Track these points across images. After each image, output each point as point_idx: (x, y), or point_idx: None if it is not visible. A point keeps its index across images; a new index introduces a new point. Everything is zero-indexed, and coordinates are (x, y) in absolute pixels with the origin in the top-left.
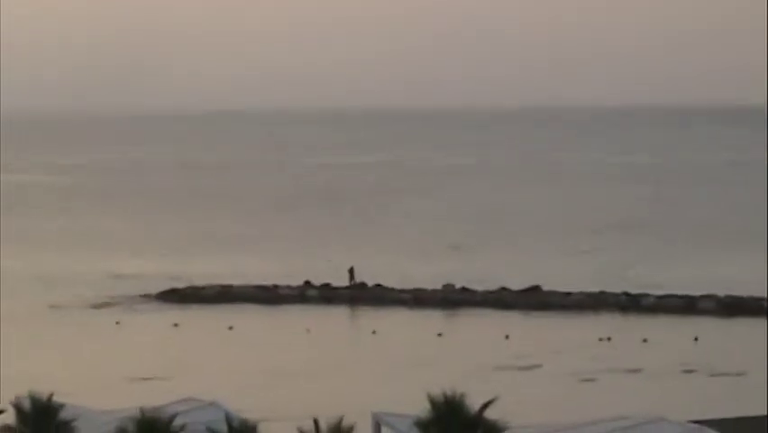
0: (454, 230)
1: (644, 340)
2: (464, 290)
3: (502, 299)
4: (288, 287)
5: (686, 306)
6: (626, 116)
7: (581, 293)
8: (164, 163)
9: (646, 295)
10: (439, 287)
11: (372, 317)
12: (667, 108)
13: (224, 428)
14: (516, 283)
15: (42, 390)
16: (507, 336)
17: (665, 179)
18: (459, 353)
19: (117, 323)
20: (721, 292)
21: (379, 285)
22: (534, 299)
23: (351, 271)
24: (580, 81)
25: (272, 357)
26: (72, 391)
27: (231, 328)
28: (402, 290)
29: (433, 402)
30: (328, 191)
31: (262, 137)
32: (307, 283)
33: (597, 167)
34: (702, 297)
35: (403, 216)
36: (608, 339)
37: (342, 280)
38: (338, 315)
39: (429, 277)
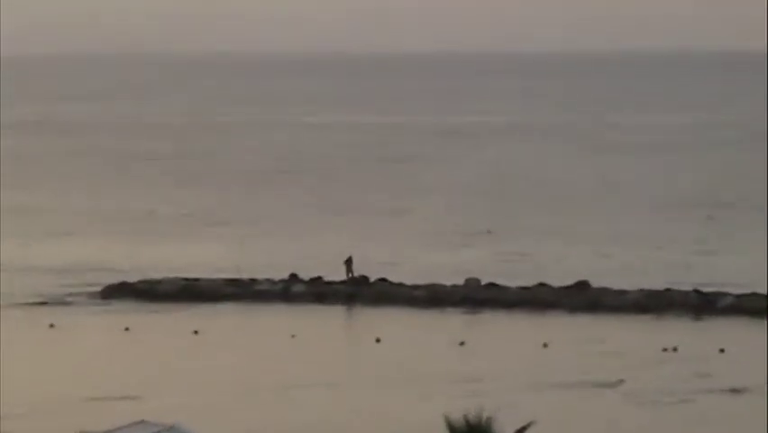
0: (480, 209)
1: (721, 350)
2: (492, 286)
3: (540, 298)
4: (269, 281)
5: None
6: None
7: (641, 291)
8: (114, 119)
9: (724, 294)
10: (460, 282)
11: (375, 321)
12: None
13: None
14: (558, 278)
15: None
16: (545, 345)
17: (742, 140)
18: (485, 366)
19: (51, 326)
20: None
21: (384, 280)
22: (580, 299)
23: (348, 261)
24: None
25: (247, 371)
26: None
27: (196, 333)
28: (413, 286)
29: (453, 429)
30: (321, 159)
31: (241, 87)
32: (293, 277)
33: (651, 130)
34: None
35: (415, 192)
36: (674, 349)
37: (337, 274)
38: (332, 317)
39: (447, 269)
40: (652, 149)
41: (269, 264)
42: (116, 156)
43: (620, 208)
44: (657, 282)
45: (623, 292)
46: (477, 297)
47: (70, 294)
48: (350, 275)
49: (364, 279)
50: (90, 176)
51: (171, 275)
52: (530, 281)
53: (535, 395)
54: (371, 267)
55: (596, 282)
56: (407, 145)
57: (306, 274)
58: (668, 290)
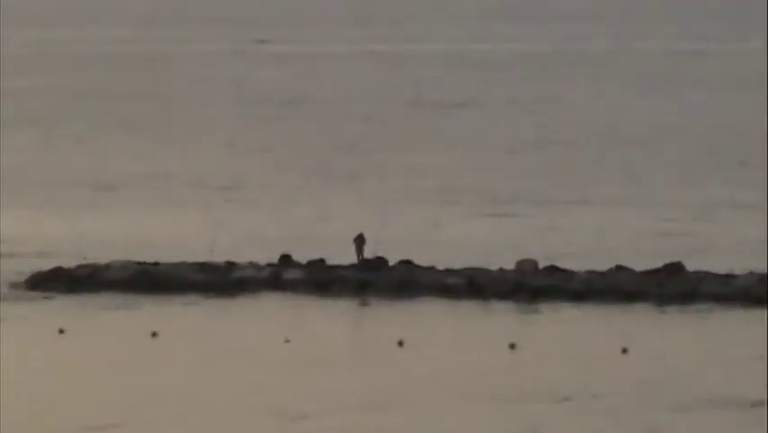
0: (526, 165)
1: None
2: (553, 270)
3: (618, 286)
4: (253, 265)
5: None
6: None
7: (752, 274)
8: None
9: None
10: (510, 265)
11: (397, 318)
12: None
13: None
14: (641, 259)
15: None
16: (624, 350)
17: None
18: (544, 376)
19: None
20: None
21: (407, 262)
22: (672, 286)
23: (359, 239)
24: None
25: (224, 390)
26: None
27: (154, 336)
28: (447, 271)
29: None
30: (321, 98)
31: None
32: (285, 259)
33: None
34: None
35: (444, 143)
36: None
37: (345, 255)
38: (339, 314)
39: (491, 247)
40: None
41: (252, 242)
42: (45, 96)
43: (697, 163)
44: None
45: (729, 277)
46: (533, 284)
47: None
48: (361, 257)
49: (381, 261)
50: (15, 122)
51: (121, 258)
52: (603, 264)
53: (629, 422)
54: (391, 245)
55: (691, 264)
56: (432, 85)
57: (302, 255)
58: None
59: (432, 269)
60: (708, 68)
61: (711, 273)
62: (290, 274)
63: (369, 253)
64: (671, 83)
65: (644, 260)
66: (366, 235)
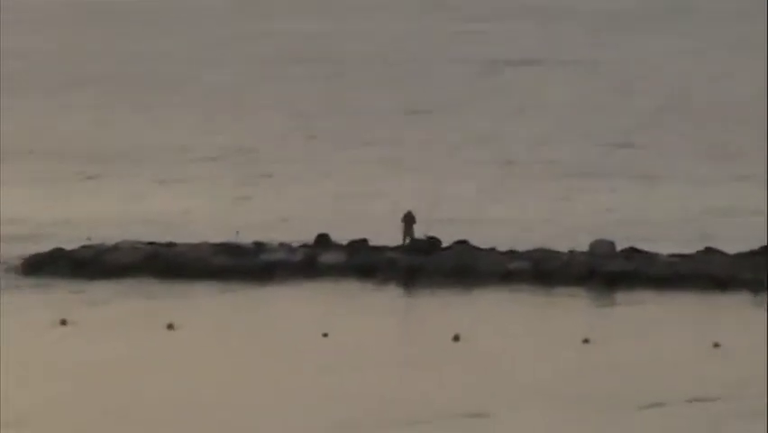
0: (600, 132)
1: None
2: (633, 252)
3: (706, 271)
4: (284, 247)
5: None
6: None
7: None
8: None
9: None
10: (583, 247)
11: (452, 308)
12: None
13: None
14: (733, 241)
15: None
16: (716, 345)
17: None
18: (624, 376)
19: None
20: None
21: (463, 243)
22: None
23: (407, 218)
24: None
25: (251, 390)
26: None
27: (170, 328)
28: (510, 254)
29: None
30: (359, 54)
31: None
32: (322, 239)
33: None
34: None
35: (506, 107)
36: None
37: (390, 235)
38: (384, 303)
39: (560, 227)
40: None
41: (283, 220)
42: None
43: None
44: None
45: None
46: (609, 270)
47: None
48: (408, 237)
49: (433, 242)
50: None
51: (130, 238)
52: (690, 246)
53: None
54: (444, 224)
55: None
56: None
57: (341, 236)
58: None
59: (492, 251)
60: None
61: None
62: (327, 257)
63: (419, 233)
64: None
65: (736, 241)
66: (416, 213)
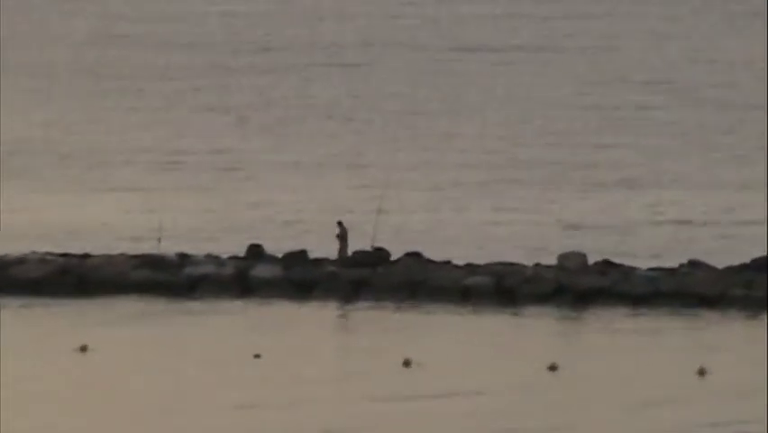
0: (574, 127)
1: None
2: (607, 266)
3: (690, 287)
4: (212, 259)
5: None
6: None
7: None
8: None
9: None
10: (550, 260)
11: (401, 330)
12: None
13: None
14: (721, 254)
15: None
16: (701, 372)
17: None
18: (595, 407)
19: None
20: None
21: (415, 255)
22: (762, 287)
23: (341, 232)
24: None
25: (176, 418)
26: None
27: (83, 351)
28: (468, 268)
29: None
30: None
31: None
32: (254, 250)
33: None
34: None
35: (467, 100)
36: None
37: (332, 246)
38: (324, 322)
39: (523, 238)
40: None
41: (210, 229)
42: None
43: None
44: None
45: None
46: (579, 286)
47: None
48: (344, 252)
49: (381, 254)
50: None
51: (40, 249)
52: (675, 258)
53: None
54: (393, 234)
55: None
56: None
57: (276, 247)
58: None
59: (447, 264)
60: None
61: None
62: (261, 271)
63: (365, 244)
64: None
65: (724, 254)
66: (363, 222)
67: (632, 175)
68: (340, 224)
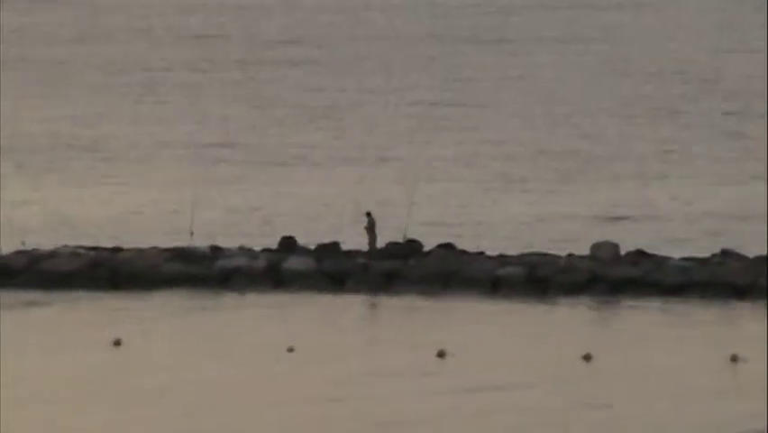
0: (598, 125)
1: None
2: (639, 256)
3: (722, 277)
4: (245, 251)
5: None
6: None
7: None
8: None
9: None
10: (583, 250)
11: (434, 321)
12: None
13: None
14: (753, 243)
15: None
16: (733, 358)
17: None
18: (629, 395)
19: None
20: None
21: (448, 247)
22: None
23: (370, 223)
24: None
25: (208, 412)
26: None
27: (117, 345)
28: (501, 258)
29: None
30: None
31: None
32: (287, 242)
33: None
34: None
35: (495, 95)
36: None
37: (365, 238)
38: (357, 314)
39: (557, 228)
40: None
41: (243, 221)
42: None
43: None
44: None
45: None
46: (613, 276)
47: None
48: (373, 245)
49: (413, 246)
50: None
51: (71, 242)
52: (703, 249)
53: None
54: (426, 226)
55: None
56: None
57: (309, 239)
58: None
59: (480, 256)
60: None
61: None
62: (293, 263)
63: (397, 236)
64: None
65: (756, 243)
66: (394, 213)
67: (660, 167)
68: (368, 215)
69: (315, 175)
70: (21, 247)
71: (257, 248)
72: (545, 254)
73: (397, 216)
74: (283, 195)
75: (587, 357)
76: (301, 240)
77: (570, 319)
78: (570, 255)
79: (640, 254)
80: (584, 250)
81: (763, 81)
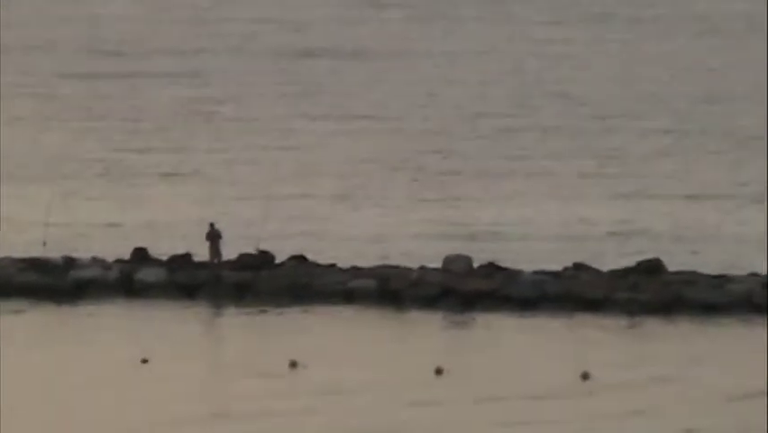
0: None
1: None
2: (492, 269)
3: (576, 291)
4: (98, 262)
5: None
6: None
7: (753, 277)
8: None
9: None
10: (435, 263)
11: (286, 332)
12: None
13: None
14: (608, 257)
15: None
16: (584, 376)
17: None
18: (482, 412)
19: None
20: None
21: (300, 258)
22: (647, 292)
23: (213, 233)
24: None
25: (60, 424)
26: None
27: None
28: (354, 271)
29: None
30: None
31: None
32: (140, 254)
33: None
34: None
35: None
36: None
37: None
38: (211, 325)
39: (408, 241)
40: None
41: (95, 232)
42: None
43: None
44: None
45: (722, 281)
46: (465, 289)
47: None
48: (218, 258)
49: (266, 257)
50: None
51: None
52: (558, 261)
53: None
54: (279, 238)
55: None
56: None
57: (161, 250)
58: None
59: (332, 268)
60: None
61: (700, 274)
62: (147, 274)
63: (249, 247)
64: None
65: (611, 257)
66: (246, 225)
67: (514, 184)
68: (212, 226)
69: (166, 188)
70: None
71: (109, 259)
72: (397, 267)
73: (250, 228)
74: (136, 206)
75: (439, 371)
76: (153, 252)
77: (422, 333)
78: (422, 268)
79: (493, 267)
80: (438, 264)
81: None
